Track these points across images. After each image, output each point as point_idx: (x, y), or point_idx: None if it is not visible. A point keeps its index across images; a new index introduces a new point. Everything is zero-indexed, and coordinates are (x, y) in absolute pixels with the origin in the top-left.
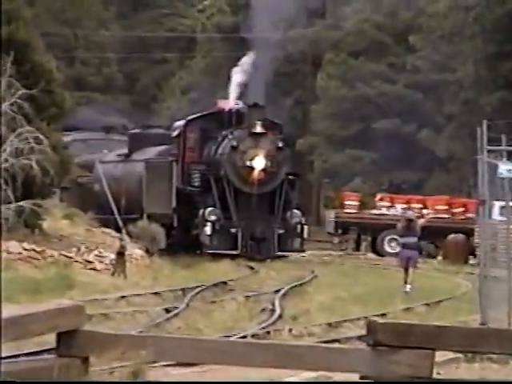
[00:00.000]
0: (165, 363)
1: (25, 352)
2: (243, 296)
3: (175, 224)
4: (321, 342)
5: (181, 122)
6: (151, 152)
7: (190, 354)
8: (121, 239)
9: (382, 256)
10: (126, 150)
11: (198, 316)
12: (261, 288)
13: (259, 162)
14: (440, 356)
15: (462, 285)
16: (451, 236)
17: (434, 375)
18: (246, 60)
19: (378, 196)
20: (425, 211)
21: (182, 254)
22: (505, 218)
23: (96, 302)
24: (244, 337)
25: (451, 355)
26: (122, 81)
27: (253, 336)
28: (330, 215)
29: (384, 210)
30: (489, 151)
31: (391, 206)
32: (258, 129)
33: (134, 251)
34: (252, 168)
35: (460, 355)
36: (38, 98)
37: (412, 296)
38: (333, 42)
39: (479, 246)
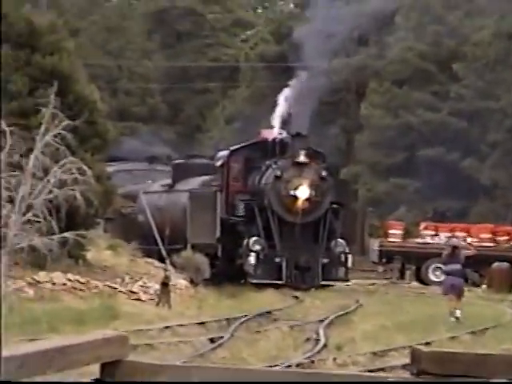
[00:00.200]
0: None
1: (69, 382)
2: (288, 325)
3: (219, 254)
4: (365, 371)
5: (224, 152)
6: (195, 182)
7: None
8: (165, 269)
9: (427, 284)
10: (169, 181)
11: (243, 346)
12: (305, 317)
13: (303, 192)
14: None
15: (507, 313)
16: (495, 264)
17: None
18: (290, 89)
19: (423, 225)
20: (469, 239)
21: (226, 284)
22: None
23: (140, 332)
24: (289, 366)
25: None
26: (165, 111)
27: (297, 365)
28: (375, 244)
29: (428, 239)
30: None
31: (435, 235)
32: (302, 158)
33: (179, 281)
34: (296, 197)
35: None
36: (81, 128)
37: (457, 324)
38: (376, 70)
39: None
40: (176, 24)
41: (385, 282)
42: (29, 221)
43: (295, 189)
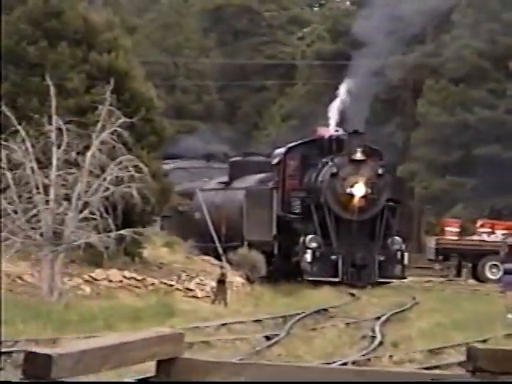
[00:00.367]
0: None
1: (125, 381)
2: (344, 323)
3: (276, 251)
4: (422, 369)
5: (281, 150)
6: (252, 180)
7: (290, 381)
8: (221, 267)
9: (483, 282)
10: (226, 178)
11: (299, 343)
12: (361, 315)
13: (359, 189)
14: None
15: None
16: None
17: None
18: (346, 87)
19: (479, 222)
20: None
21: (282, 282)
22: None
23: (197, 329)
24: (345, 364)
25: None
26: (222, 108)
27: (353, 363)
28: (431, 242)
29: (485, 236)
30: None
31: (492, 232)
32: (358, 155)
33: (235, 279)
34: (352, 195)
35: None
36: (137, 126)
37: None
38: (433, 68)
39: None
40: (232, 21)
41: (441, 279)
42: (85, 218)
43: (351, 186)
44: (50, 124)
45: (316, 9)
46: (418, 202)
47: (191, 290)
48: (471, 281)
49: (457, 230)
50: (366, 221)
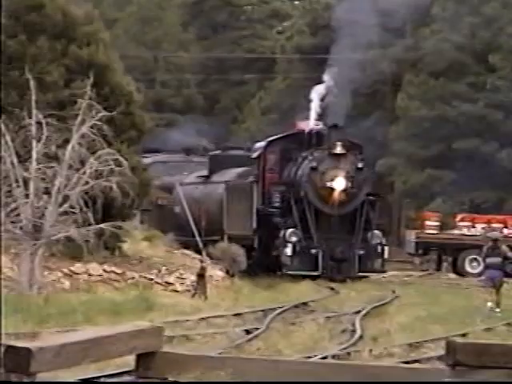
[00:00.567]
0: None
1: (105, 374)
2: (324, 317)
3: (256, 245)
4: (401, 363)
5: (261, 144)
6: (231, 173)
7: (269, 375)
8: (201, 261)
9: (463, 276)
10: (206, 172)
11: (278, 337)
12: (341, 309)
13: (339, 183)
14: None
15: None
16: None
17: None
18: (326, 81)
19: (459, 216)
20: (505, 231)
21: (262, 275)
22: None
23: (177, 323)
24: (324, 358)
25: None
26: (201, 102)
27: (333, 357)
28: (411, 235)
29: (465, 230)
30: None
31: (472, 226)
32: (338, 149)
33: (215, 273)
34: (332, 189)
35: None
36: (117, 120)
37: (493, 316)
38: (412, 62)
39: None
40: (212, 15)
41: (421, 273)
42: (65, 212)
43: (331, 180)
44: (30, 118)
45: (296, 2)
46: (398, 195)
47: (171, 283)
48: (451, 275)
49: (437, 223)
50: (346, 215)
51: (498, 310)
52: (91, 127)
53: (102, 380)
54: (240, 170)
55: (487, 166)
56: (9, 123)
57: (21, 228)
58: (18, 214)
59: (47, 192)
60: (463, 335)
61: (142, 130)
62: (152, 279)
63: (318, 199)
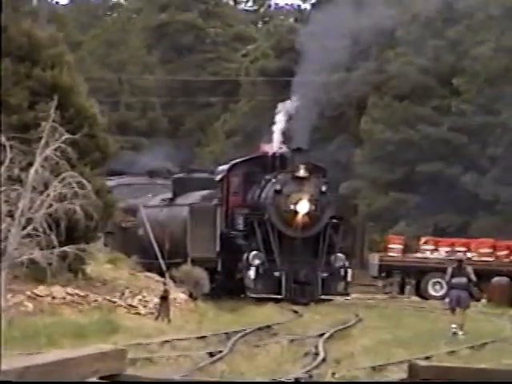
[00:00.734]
0: None
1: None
2: (287, 340)
3: (219, 268)
4: None
5: (225, 166)
6: (195, 196)
7: None
8: (164, 283)
9: (426, 299)
10: (170, 195)
11: (242, 360)
12: (305, 332)
13: (303, 206)
14: None
15: (507, 327)
16: (496, 279)
17: None
18: (290, 104)
19: (423, 239)
20: (469, 254)
21: (226, 298)
22: None
23: (140, 346)
24: (287, 380)
25: None
26: (166, 125)
27: (296, 379)
28: (374, 258)
29: (428, 253)
30: None
31: (435, 249)
32: (302, 173)
33: (178, 295)
34: (296, 212)
35: None
36: (81, 142)
37: (456, 339)
38: (377, 85)
39: None
40: (177, 38)
41: (384, 296)
42: (29, 235)
43: (295, 203)
44: None
45: (261, 25)
46: (362, 219)
47: (134, 306)
48: (414, 298)
49: (400, 246)
50: (310, 238)
51: (461, 332)
52: (55, 150)
53: None
54: (204, 192)
55: (451, 189)
56: None
57: None
58: None
59: (11, 215)
60: (427, 358)
61: (105, 153)
62: (115, 302)
63: (281, 222)
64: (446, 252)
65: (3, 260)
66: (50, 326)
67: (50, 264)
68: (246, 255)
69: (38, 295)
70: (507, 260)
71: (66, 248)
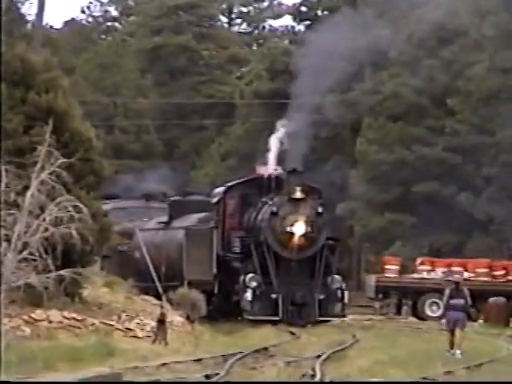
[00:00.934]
0: None
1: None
2: (284, 361)
3: (216, 290)
4: None
5: (220, 189)
6: (191, 219)
7: None
8: (161, 306)
9: (423, 320)
10: (166, 218)
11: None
12: (302, 353)
13: (299, 228)
14: None
15: (504, 347)
16: (492, 299)
17: None
18: (285, 125)
19: (419, 260)
20: (465, 274)
21: (222, 321)
22: None
23: (137, 369)
24: None
25: None
26: (160, 148)
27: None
28: (371, 280)
29: (424, 274)
30: None
31: (432, 270)
32: (298, 194)
33: (175, 318)
34: (292, 233)
35: None
36: (76, 166)
37: (453, 359)
38: (371, 106)
39: None
40: (170, 61)
41: (381, 317)
42: (25, 259)
43: (291, 225)
44: None
45: (254, 48)
46: (358, 240)
47: (131, 329)
48: (411, 318)
49: (397, 267)
50: (306, 259)
51: (458, 351)
52: (50, 174)
53: None
54: (200, 215)
55: (447, 209)
56: None
57: None
58: None
59: (7, 239)
60: (423, 379)
61: (101, 176)
62: (112, 325)
63: (277, 244)
64: (443, 272)
65: (0, 284)
66: (47, 350)
67: (46, 288)
68: (242, 277)
69: (34, 319)
70: (503, 280)
71: (62, 272)
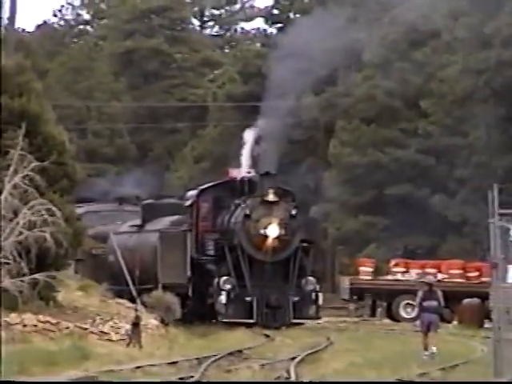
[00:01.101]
0: None
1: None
2: (258, 364)
3: (190, 293)
4: None
5: (194, 192)
6: (165, 222)
7: None
8: (136, 310)
9: (398, 321)
10: (139, 221)
11: None
12: (276, 356)
13: (273, 230)
14: None
15: (478, 349)
16: (466, 300)
17: None
18: (258, 128)
19: (393, 262)
20: (439, 276)
21: (197, 324)
22: None
23: (111, 372)
24: None
25: None
26: (134, 151)
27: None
28: (345, 282)
29: (399, 276)
30: (501, 215)
31: (406, 272)
32: (271, 197)
33: (149, 321)
34: (266, 236)
35: None
36: (49, 170)
37: (427, 361)
38: (344, 108)
39: (493, 309)
40: (143, 64)
41: (356, 319)
42: None
43: (265, 228)
44: None
45: (227, 50)
46: (332, 242)
47: (106, 333)
48: (386, 320)
49: (371, 269)
50: (280, 262)
51: (427, 353)
52: (24, 177)
53: None
54: (173, 218)
55: (420, 211)
56: None
57: None
58: None
59: None
60: (398, 380)
61: (74, 180)
62: (87, 329)
63: (251, 247)
64: (417, 274)
65: None
66: (21, 354)
67: (20, 292)
68: (216, 280)
69: (9, 323)
70: (477, 281)
71: (36, 275)
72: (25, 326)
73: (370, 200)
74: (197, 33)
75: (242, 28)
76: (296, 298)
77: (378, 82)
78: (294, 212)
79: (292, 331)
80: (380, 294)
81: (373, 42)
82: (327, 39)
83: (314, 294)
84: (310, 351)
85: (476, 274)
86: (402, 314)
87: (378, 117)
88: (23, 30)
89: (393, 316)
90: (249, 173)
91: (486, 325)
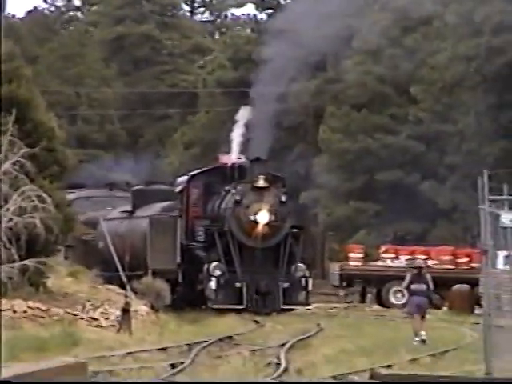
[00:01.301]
0: None
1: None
2: (249, 350)
3: (180, 279)
4: None
5: (184, 178)
6: (155, 208)
7: None
8: (126, 296)
9: (388, 307)
10: (129, 207)
11: (204, 371)
12: (266, 342)
13: (263, 216)
14: None
15: (468, 335)
16: (456, 286)
17: None
18: (248, 114)
19: (383, 248)
20: (429, 262)
21: (187, 310)
22: (509, 268)
23: (102, 358)
24: None
25: None
26: (124, 137)
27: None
28: (335, 268)
29: (388, 262)
30: (490, 201)
31: (396, 258)
32: (261, 183)
33: (139, 307)
34: (256, 222)
35: None
36: (40, 156)
37: (419, 346)
38: (335, 94)
39: (483, 295)
40: (134, 50)
41: (346, 305)
42: None
43: (255, 214)
44: None
45: (217, 36)
46: (322, 228)
47: (96, 319)
48: (376, 306)
49: (360, 255)
50: (270, 248)
51: (417, 338)
52: (14, 164)
53: None
54: (164, 204)
55: (410, 197)
56: None
57: None
58: None
59: None
60: (388, 366)
61: (64, 166)
62: (77, 315)
63: (241, 233)
64: (407, 260)
65: None
66: (11, 340)
67: (10, 278)
68: (206, 266)
69: None
70: (467, 267)
71: (26, 262)
72: (15, 312)
73: (361, 186)
74: (187, 19)
75: (233, 14)
76: (286, 284)
77: (369, 67)
78: (284, 198)
79: (282, 317)
80: (370, 280)
81: (364, 28)
82: (317, 25)
83: (303, 280)
84: (300, 337)
85: (466, 260)
86: (392, 300)
87: (368, 103)
88: (13, 16)
89: (383, 302)
90: (239, 159)
91: (476, 311)
